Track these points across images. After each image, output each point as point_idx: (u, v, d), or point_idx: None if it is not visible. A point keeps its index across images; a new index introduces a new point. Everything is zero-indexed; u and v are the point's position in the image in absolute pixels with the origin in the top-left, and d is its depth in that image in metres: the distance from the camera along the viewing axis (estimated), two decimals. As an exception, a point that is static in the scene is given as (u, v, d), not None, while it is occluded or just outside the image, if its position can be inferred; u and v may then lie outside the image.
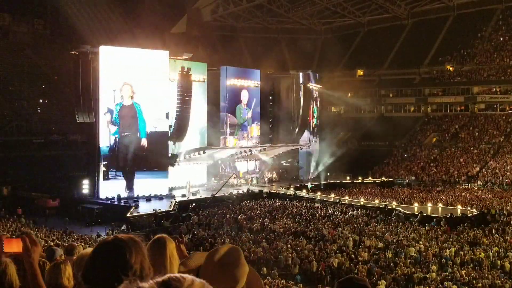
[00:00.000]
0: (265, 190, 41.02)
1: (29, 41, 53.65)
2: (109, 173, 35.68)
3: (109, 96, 35.78)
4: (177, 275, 1.13)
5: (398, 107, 64.18)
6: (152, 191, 36.52)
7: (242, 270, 1.72)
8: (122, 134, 36.24)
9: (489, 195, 38.73)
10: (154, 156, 37.13)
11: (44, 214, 31.70)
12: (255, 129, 48.26)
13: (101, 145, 35.66)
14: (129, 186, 36.06)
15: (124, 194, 35.38)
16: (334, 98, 58.96)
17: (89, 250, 3.09)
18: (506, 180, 44.26)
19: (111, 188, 35.22)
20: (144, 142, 37.00)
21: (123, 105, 36.49)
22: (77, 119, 35.40)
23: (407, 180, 48.04)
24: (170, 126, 38.45)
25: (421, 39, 64.22)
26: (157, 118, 37.48)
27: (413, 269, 19.23)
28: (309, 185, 41.20)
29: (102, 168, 35.42)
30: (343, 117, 62.46)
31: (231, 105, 46.02)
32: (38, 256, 2.77)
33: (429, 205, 34.25)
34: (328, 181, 46.00)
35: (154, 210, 31.09)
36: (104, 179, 35.47)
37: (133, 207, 31.78)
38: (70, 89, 37.66)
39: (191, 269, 1.72)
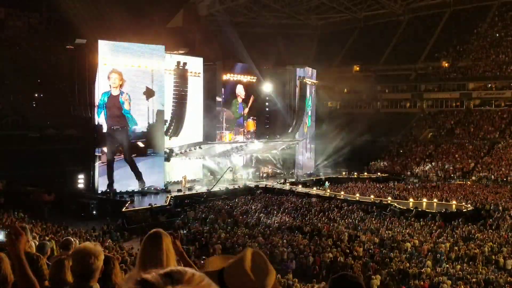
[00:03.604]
0: (261, 185, 41.05)
1: (25, 35, 53.37)
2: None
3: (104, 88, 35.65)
4: (179, 268, 1.18)
5: (394, 102, 64.32)
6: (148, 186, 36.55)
7: (271, 278, 1.74)
8: (112, 128, 35.74)
9: (484, 191, 38.89)
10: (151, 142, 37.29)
11: (40, 208, 31.60)
12: (251, 124, 48.22)
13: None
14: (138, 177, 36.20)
15: (135, 186, 35.67)
16: (330, 93, 58.98)
17: (87, 244, 3.10)
18: (502, 175, 44.47)
19: (107, 182, 35.26)
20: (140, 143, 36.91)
21: (111, 94, 35.70)
22: (72, 113, 35.25)
23: (403, 176, 48.28)
24: (166, 121, 38.38)
25: (417, 35, 64.31)
26: (152, 113, 37.41)
27: (408, 264, 19.33)
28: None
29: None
30: (339, 112, 62.56)
31: (227, 100, 45.95)
32: (24, 246, 2.77)
33: (424, 200, 34.39)
34: (324, 177, 46.16)
35: (150, 205, 31.09)
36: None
37: (129, 202, 31.75)
38: (66, 83, 37.47)
39: (209, 272, 1.72)
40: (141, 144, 36.97)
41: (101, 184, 35.02)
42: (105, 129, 35.45)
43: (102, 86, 35.41)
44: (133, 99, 36.45)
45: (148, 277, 1.13)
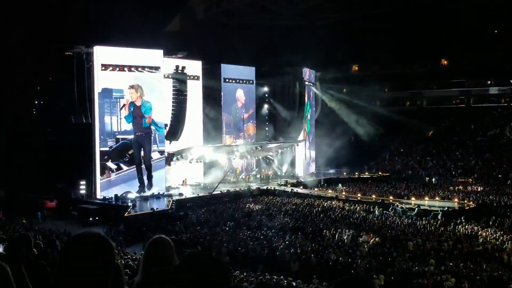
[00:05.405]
0: (262, 187, 41.03)
1: (22, 42, 53.35)
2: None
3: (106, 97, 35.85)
4: None
5: (393, 101, 64.27)
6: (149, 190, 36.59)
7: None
8: (137, 134, 36.69)
9: (486, 188, 38.85)
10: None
11: (42, 215, 31.67)
12: (251, 127, 48.22)
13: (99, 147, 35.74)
14: (146, 183, 36.73)
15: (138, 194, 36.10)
16: (329, 93, 58.94)
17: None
18: (503, 172, 44.43)
19: (109, 188, 35.27)
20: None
21: (135, 105, 36.87)
22: (72, 120, 35.29)
23: (404, 175, 48.25)
24: (166, 125, 38.43)
25: (416, 32, 64.19)
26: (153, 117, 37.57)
27: (411, 263, 19.28)
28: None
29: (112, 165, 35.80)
30: (339, 112, 62.48)
31: (227, 104, 45.95)
32: (24, 260, 2.78)
33: (426, 199, 34.37)
34: (325, 177, 46.17)
35: (152, 209, 31.08)
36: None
37: (131, 207, 31.74)
38: (65, 90, 37.52)
39: None
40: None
41: (108, 191, 35.18)
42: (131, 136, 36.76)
43: (102, 91, 35.58)
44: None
45: None
